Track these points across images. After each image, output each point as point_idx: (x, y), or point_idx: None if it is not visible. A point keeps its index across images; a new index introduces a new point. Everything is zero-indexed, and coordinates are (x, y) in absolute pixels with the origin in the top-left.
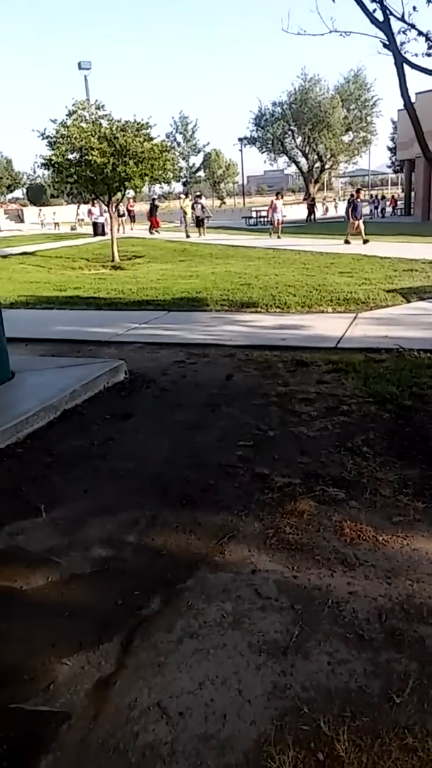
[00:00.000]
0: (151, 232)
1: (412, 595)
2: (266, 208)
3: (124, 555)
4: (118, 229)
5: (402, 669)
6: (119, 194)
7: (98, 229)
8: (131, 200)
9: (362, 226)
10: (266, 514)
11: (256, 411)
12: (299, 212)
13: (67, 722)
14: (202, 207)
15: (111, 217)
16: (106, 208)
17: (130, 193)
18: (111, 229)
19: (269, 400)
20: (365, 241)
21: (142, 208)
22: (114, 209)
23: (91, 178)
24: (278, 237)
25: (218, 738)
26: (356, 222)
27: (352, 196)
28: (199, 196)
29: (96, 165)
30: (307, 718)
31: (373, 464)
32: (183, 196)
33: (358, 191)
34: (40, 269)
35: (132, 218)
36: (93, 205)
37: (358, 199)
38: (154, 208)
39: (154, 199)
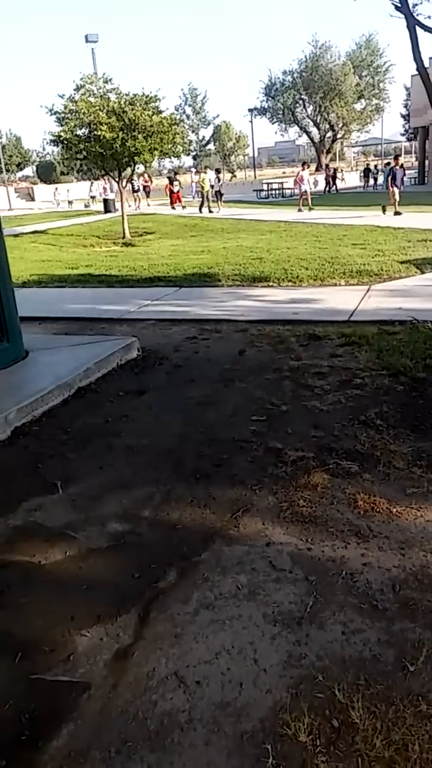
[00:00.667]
0: (173, 207)
1: (426, 566)
2: (278, 180)
3: (139, 529)
4: (136, 205)
5: (416, 638)
6: (129, 169)
7: (109, 206)
8: (147, 175)
9: (397, 197)
10: (280, 488)
11: (269, 386)
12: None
13: (87, 692)
14: (219, 180)
15: (121, 193)
16: (116, 183)
17: (140, 168)
18: (122, 206)
19: (282, 374)
20: (397, 213)
21: (159, 183)
22: (126, 184)
23: (101, 154)
24: (309, 209)
25: (235, 706)
26: (395, 190)
27: (389, 164)
28: (219, 171)
29: (105, 140)
30: (322, 686)
31: (387, 437)
32: (201, 170)
33: (396, 158)
34: (52, 247)
35: (147, 193)
36: (107, 182)
37: (398, 167)
38: (172, 183)
39: (174, 174)
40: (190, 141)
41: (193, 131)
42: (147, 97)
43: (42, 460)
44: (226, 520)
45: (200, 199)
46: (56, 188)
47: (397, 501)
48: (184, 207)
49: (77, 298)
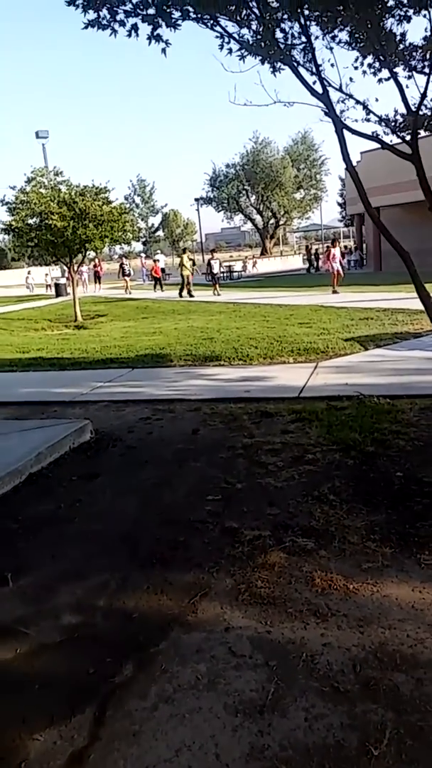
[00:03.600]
0: (128, 292)
1: (384, 643)
2: (225, 263)
3: (94, 620)
4: (87, 289)
5: (378, 719)
6: (80, 255)
7: (61, 290)
8: (97, 260)
9: (342, 273)
10: (237, 569)
11: (224, 464)
12: (265, 266)
13: None
14: (220, 263)
15: (72, 278)
16: (66, 269)
17: (91, 254)
18: (73, 290)
19: (236, 452)
20: (335, 292)
21: (109, 267)
22: (78, 269)
23: (52, 242)
24: (334, 291)
25: None
26: (335, 267)
27: (328, 248)
28: (214, 250)
29: (56, 228)
30: None
31: (341, 512)
32: (182, 253)
33: (333, 242)
34: (2, 332)
35: (98, 279)
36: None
37: (334, 249)
38: (123, 267)
39: (124, 257)
40: (140, 228)
41: (142, 219)
42: (97, 188)
43: None
44: (184, 605)
45: (179, 284)
46: (29, 271)
47: (353, 577)
48: (129, 292)
49: (28, 381)
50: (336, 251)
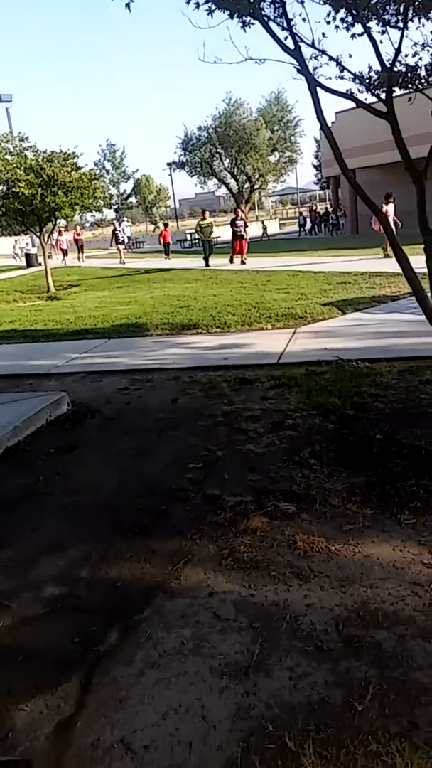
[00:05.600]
0: (122, 262)
1: (366, 602)
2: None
3: (77, 591)
4: (65, 258)
5: (362, 676)
6: (50, 224)
7: (32, 260)
8: (78, 228)
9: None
10: (220, 535)
11: (204, 432)
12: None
13: None
14: (245, 223)
15: (43, 247)
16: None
17: (62, 222)
18: (45, 260)
19: (216, 420)
20: (387, 256)
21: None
22: (48, 238)
23: (20, 210)
24: (386, 255)
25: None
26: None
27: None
28: (237, 210)
29: (24, 196)
30: (273, 737)
31: (321, 475)
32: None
33: (388, 197)
34: None
35: (80, 248)
36: (60, 234)
37: (390, 206)
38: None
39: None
40: (111, 195)
41: (113, 185)
42: (65, 154)
43: None
44: (167, 572)
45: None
46: (15, 240)
47: (335, 539)
48: (123, 262)
49: (2, 354)
50: (390, 208)
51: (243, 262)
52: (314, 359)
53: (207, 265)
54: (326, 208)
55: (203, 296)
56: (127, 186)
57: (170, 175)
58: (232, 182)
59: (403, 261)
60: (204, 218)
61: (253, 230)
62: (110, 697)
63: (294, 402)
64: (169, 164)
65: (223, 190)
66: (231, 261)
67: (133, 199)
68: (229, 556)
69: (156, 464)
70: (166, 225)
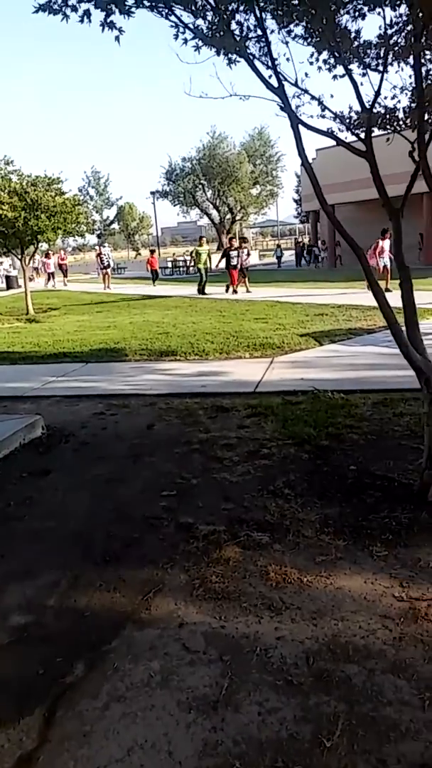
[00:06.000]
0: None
1: (337, 635)
2: (181, 258)
3: (45, 620)
4: (53, 281)
5: (331, 711)
6: (32, 247)
7: (12, 283)
8: (61, 251)
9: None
10: (192, 565)
11: (179, 459)
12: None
13: None
14: (248, 251)
15: (24, 270)
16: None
17: (44, 246)
18: (25, 282)
19: (191, 447)
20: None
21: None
22: (30, 261)
23: (2, 232)
24: (387, 289)
25: None
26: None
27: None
28: (245, 240)
29: (7, 219)
30: None
31: (295, 505)
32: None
33: (385, 232)
34: None
35: (65, 272)
36: (47, 257)
37: (386, 241)
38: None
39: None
40: (94, 221)
41: (96, 211)
42: (49, 179)
43: None
44: (138, 602)
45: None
46: (1, 263)
47: (307, 570)
48: (109, 287)
49: None
50: (386, 244)
51: (234, 291)
52: (291, 389)
53: (201, 293)
54: (303, 243)
55: (182, 323)
56: (111, 212)
57: (153, 203)
58: (214, 213)
59: (378, 295)
60: (201, 245)
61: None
62: (74, 731)
63: (270, 431)
64: (152, 193)
65: (205, 220)
66: (227, 290)
67: (116, 226)
68: (201, 587)
69: (130, 491)
70: (152, 252)
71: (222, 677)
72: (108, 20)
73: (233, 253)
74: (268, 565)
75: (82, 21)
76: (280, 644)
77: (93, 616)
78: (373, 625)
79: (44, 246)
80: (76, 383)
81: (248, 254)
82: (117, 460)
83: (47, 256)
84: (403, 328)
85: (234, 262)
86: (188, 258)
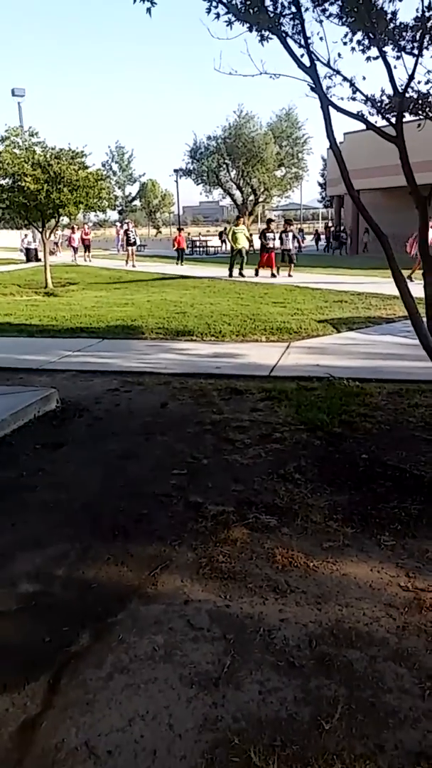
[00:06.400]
0: (131, 264)
1: (341, 620)
2: (202, 238)
3: (52, 590)
4: (75, 256)
5: (331, 694)
6: (53, 221)
7: (31, 255)
8: (85, 226)
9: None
10: (199, 543)
11: (191, 439)
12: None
13: None
14: (294, 236)
15: (44, 243)
16: (40, 234)
17: (65, 220)
18: (45, 255)
19: (203, 428)
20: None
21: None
22: (51, 236)
23: (24, 204)
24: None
25: None
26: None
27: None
28: (289, 222)
29: (29, 191)
30: (238, 750)
31: (305, 491)
32: (233, 222)
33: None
34: None
35: (87, 248)
36: (73, 231)
37: None
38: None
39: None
40: (116, 197)
41: (119, 187)
42: (73, 152)
43: None
44: (144, 577)
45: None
46: (25, 234)
47: (314, 555)
48: (134, 265)
49: None
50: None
51: (273, 275)
52: (306, 374)
53: (231, 275)
54: (326, 226)
55: (200, 304)
56: (133, 189)
57: (176, 181)
58: (237, 193)
59: (400, 283)
60: (238, 224)
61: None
62: (78, 699)
63: (283, 415)
64: (175, 171)
65: (228, 201)
66: (256, 273)
67: (137, 203)
68: (207, 565)
69: (141, 468)
70: (180, 230)
71: (224, 655)
72: None
73: (270, 235)
74: (275, 548)
75: None
76: (284, 626)
77: (100, 588)
78: (377, 613)
79: (65, 220)
80: (91, 359)
81: (294, 237)
82: (129, 437)
83: (72, 230)
84: (424, 319)
85: (270, 244)
86: (224, 238)
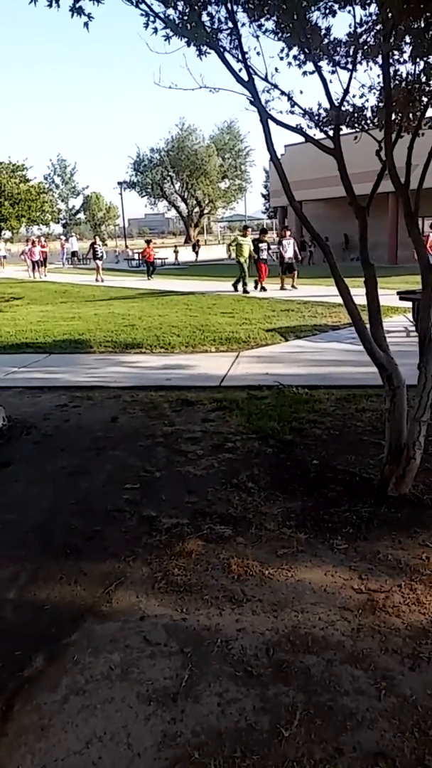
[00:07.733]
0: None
1: (297, 626)
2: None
3: (3, 613)
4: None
5: (289, 701)
6: None
7: None
8: (41, 239)
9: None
10: (154, 557)
11: (143, 452)
12: (185, 255)
13: None
14: (295, 244)
15: None
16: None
17: (6, 234)
18: None
19: (155, 440)
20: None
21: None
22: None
23: None
24: None
25: None
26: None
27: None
28: (287, 229)
29: None
30: (198, 765)
31: (258, 499)
32: (241, 233)
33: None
34: None
35: (42, 262)
36: (33, 244)
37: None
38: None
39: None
40: (59, 210)
41: (62, 200)
42: (13, 165)
43: None
44: (99, 595)
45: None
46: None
47: (269, 563)
48: (102, 279)
49: None
50: None
51: (263, 289)
52: (256, 383)
53: (236, 290)
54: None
55: (148, 316)
56: (77, 202)
57: (120, 194)
58: (182, 205)
59: (343, 291)
60: (245, 234)
61: (203, 254)
62: (32, 724)
63: (234, 425)
64: (119, 183)
65: (173, 213)
66: (256, 287)
67: (81, 216)
68: (163, 579)
69: (92, 484)
70: (148, 242)
71: (182, 669)
72: (77, 6)
73: (262, 246)
74: (230, 558)
75: (50, 5)
76: (241, 636)
77: (53, 608)
78: (332, 617)
79: (7, 234)
80: (38, 374)
81: (290, 246)
82: (80, 453)
83: (32, 243)
84: (368, 326)
85: (264, 255)
86: (229, 249)
